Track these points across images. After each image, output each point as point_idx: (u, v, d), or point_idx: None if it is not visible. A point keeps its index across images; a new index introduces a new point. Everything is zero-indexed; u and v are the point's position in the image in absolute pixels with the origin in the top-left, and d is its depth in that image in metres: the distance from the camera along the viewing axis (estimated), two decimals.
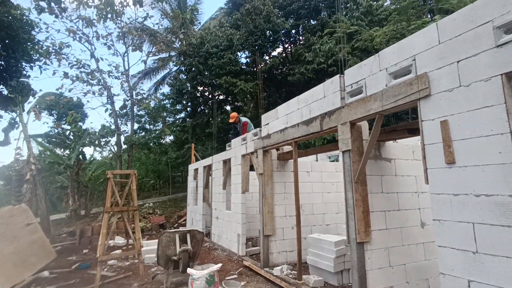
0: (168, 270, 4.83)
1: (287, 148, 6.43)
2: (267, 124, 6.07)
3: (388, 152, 4.15)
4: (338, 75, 4.18)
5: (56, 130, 18.53)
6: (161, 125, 29.29)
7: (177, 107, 25.71)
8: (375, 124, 3.52)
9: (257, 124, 7.71)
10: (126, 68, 20.27)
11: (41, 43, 8.79)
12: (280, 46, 19.07)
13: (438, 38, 2.82)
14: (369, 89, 3.60)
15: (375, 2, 15.82)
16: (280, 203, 6.18)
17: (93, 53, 19.39)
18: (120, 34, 18.59)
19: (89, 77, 19.04)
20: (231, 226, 7.46)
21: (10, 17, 7.22)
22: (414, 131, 3.63)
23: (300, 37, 18.36)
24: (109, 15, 16.88)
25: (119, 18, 17.61)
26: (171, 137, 30.80)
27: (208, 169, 9.97)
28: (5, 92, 7.56)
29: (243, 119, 8.76)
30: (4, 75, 7.52)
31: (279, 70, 19.29)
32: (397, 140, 4.47)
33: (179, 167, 29.00)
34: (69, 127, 17.55)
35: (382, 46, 10.42)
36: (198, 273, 3.78)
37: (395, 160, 4.20)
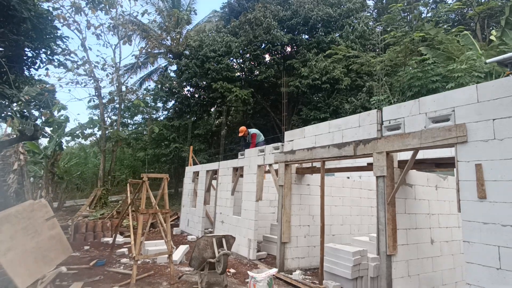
0: (204, 271, 5.20)
1: (305, 164, 7.04)
2: (291, 140, 6.65)
3: (410, 179, 4.90)
4: (375, 110, 4.86)
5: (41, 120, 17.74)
6: (141, 119, 28.74)
7: (160, 105, 25.57)
8: (412, 157, 4.23)
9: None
10: (117, 61, 19.92)
11: (66, 38, 8.65)
12: (271, 56, 19.76)
13: (477, 97, 3.58)
14: (408, 127, 4.31)
15: (368, 28, 17.08)
16: (296, 213, 6.76)
17: (84, 42, 18.87)
18: (112, 26, 18.25)
19: (76, 66, 18.50)
20: (241, 231, 7.90)
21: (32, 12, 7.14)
22: (440, 165, 4.40)
23: (295, 52, 19.20)
24: (102, 5, 16.53)
25: (113, 9, 17.34)
26: (155, 134, 30.31)
27: (212, 173, 10.31)
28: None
29: (252, 131, 9.28)
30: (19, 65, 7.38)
31: (269, 82, 19.97)
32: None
33: (154, 163, 28.60)
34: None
35: (381, 72, 11.44)
36: (260, 276, 4.22)
37: (415, 186, 4.96)
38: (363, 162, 6.43)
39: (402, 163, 4.75)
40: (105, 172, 18.34)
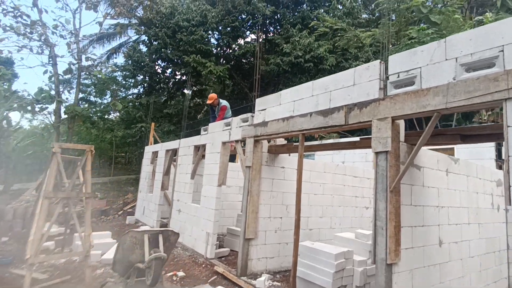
0: (129, 280, 3.71)
1: (280, 141, 5.63)
2: (263, 109, 5.19)
3: (419, 159, 3.59)
4: (377, 61, 3.47)
5: None
6: (109, 99, 26.35)
7: (131, 81, 23.16)
8: (430, 124, 2.89)
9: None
10: (77, 27, 17.55)
11: None
12: (254, 34, 18.11)
13: None
14: (426, 80, 2.95)
15: (357, 4, 15.72)
16: (265, 202, 5.37)
17: (36, 2, 16.39)
18: None
19: (28, 30, 16.07)
20: (199, 222, 6.45)
21: None
22: (468, 138, 3.09)
23: (278, 27, 17.61)
24: None
25: None
26: (119, 114, 27.93)
27: (172, 153, 8.72)
28: None
29: (223, 102, 7.72)
30: None
31: (248, 59, 18.30)
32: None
33: (124, 147, 26.48)
34: None
35: (371, 48, 10.16)
36: None
37: (424, 168, 3.66)
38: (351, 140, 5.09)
39: (409, 136, 3.42)
40: None
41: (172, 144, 8.69)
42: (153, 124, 11.51)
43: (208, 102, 7.59)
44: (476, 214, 4.59)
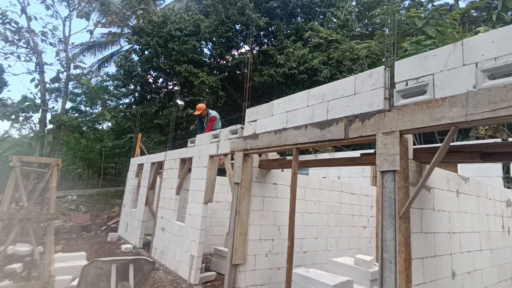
0: None
1: (272, 155, 5.17)
2: (254, 121, 4.74)
3: (429, 178, 3.16)
4: (381, 67, 3.07)
5: None
6: (99, 108, 25.79)
7: (122, 91, 22.66)
8: (447, 140, 2.46)
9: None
10: (67, 34, 17.15)
11: None
12: (247, 45, 17.89)
13: None
14: (441, 89, 2.54)
15: (351, 17, 15.67)
16: (256, 222, 4.86)
17: (25, 8, 15.99)
18: None
19: (16, 36, 15.62)
20: (183, 243, 5.88)
21: None
22: (488, 155, 2.67)
23: (272, 38, 17.44)
24: None
25: None
26: (109, 124, 27.31)
27: (158, 166, 8.18)
28: None
29: (212, 112, 7.27)
30: None
31: (242, 71, 18.02)
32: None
33: (113, 157, 25.77)
34: None
35: (367, 60, 9.90)
36: None
37: (434, 189, 3.22)
38: (348, 155, 4.66)
39: (418, 153, 3.00)
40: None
41: (157, 157, 8.16)
42: (140, 134, 10.96)
43: (196, 112, 7.12)
44: (487, 238, 4.16)
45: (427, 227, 3.02)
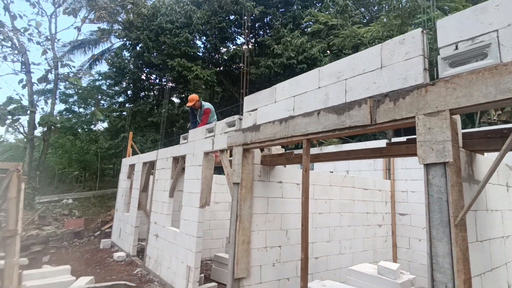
0: None
1: (276, 149, 4.50)
2: (254, 110, 4.06)
3: (479, 171, 2.48)
4: (418, 29, 2.38)
5: None
6: (93, 109, 25.02)
7: (115, 89, 21.86)
8: None
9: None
10: (53, 32, 16.38)
11: None
12: (242, 37, 17.11)
13: None
14: (510, 50, 1.86)
15: (350, 1, 14.90)
16: (260, 228, 4.19)
17: (8, 6, 15.21)
18: None
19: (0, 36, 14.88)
20: (178, 252, 5.22)
21: None
22: None
23: (268, 30, 16.68)
24: None
25: None
26: (105, 124, 26.58)
27: (150, 167, 7.50)
28: None
29: (206, 104, 6.56)
30: None
31: (237, 64, 17.27)
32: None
33: (111, 158, 25.07)
34: None
35: (371, 45, 9.18)
36: None
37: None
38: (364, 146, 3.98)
39: (469, 138, 2.33)
40: (31, 167, 14.70)
41: (149, 156, 7.47)
42: (131, 133, 10.26)
43: (189, 104, 6.40)
44: None
45: (482, 233, 2.36)
